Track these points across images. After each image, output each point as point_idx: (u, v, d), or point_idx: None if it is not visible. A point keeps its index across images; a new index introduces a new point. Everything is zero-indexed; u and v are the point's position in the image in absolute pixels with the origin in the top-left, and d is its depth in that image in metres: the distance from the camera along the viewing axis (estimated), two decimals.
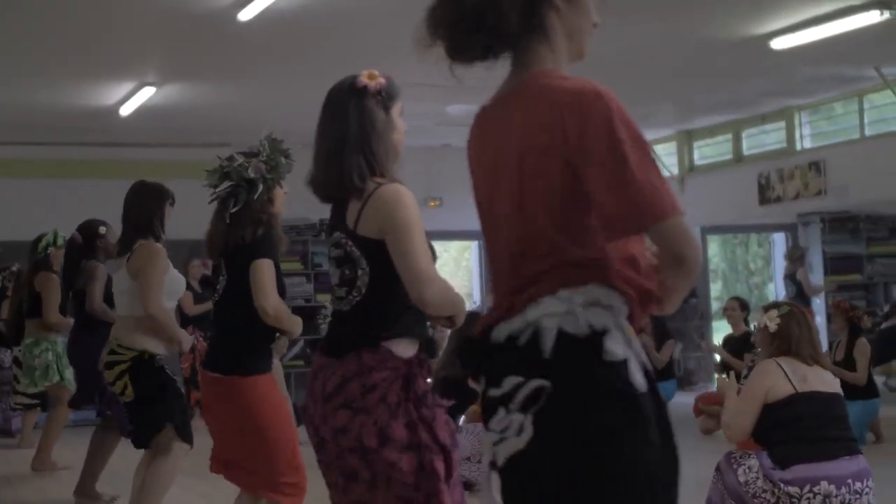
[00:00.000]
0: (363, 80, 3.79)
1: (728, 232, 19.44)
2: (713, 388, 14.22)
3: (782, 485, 5.38)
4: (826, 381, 5.67)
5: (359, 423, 3.61)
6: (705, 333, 16.62)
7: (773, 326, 5.79)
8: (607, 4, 2.89)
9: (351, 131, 3.73)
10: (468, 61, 2.86)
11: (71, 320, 9.26)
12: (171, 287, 6.69)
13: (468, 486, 7.34)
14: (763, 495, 5.43)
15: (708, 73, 12.70)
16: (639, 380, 2.63)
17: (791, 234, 17.19)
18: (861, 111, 14.48)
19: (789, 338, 5.75)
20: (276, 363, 10.91)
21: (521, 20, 2.78)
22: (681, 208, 2.57)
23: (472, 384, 2.82)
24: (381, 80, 3.81)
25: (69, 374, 9.69)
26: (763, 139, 16.03)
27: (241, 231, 5.07)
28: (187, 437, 6.62)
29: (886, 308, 15.50)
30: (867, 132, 14.42)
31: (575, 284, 2.65)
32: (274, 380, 5.30)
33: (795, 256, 15.93)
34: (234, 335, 5.13)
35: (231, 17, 9.53)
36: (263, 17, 9.53)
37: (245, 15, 9.48)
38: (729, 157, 16.28)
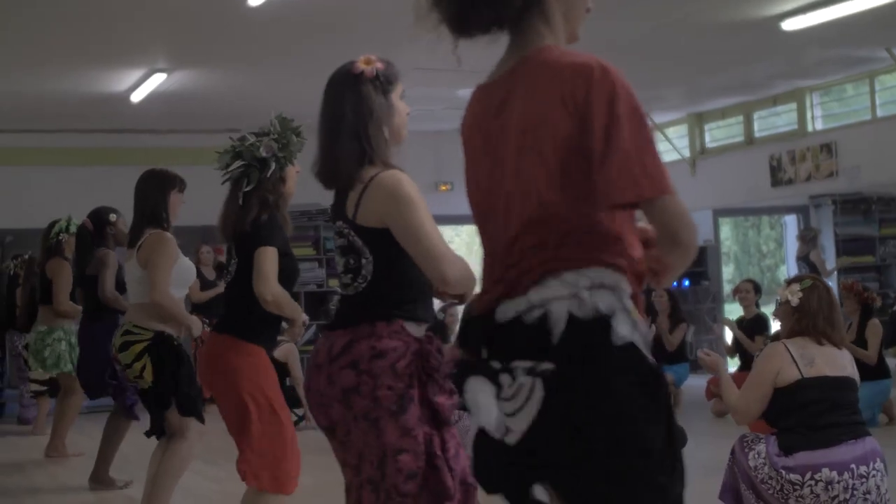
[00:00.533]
0: (359, 65, 3.79)
1: (740, 214, 19.40)
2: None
3: (784, 472, 5.36)
4: (837, 364, 5.59)
5: (370, 385, 3.58)
6: (717, 316, 16.60)
7: (794, 300, 5.71)
8: None
9: (346, 119, 3.73)
10: (468, 35, 2.87)
11: (80, 308, 9.26)
12: (181, 276, 6.71)
13: None
14: (769, 481, 5.41)
15: (718, 55, 12.66)
16: (651, 357, 2.65)
17: (803, 216, 17.15)
18: (872, 92, 14.43)
19: (809, 313, 5.66)
20: (292, 347, 10.97)
21: None
22: (673, 188, 2.59)
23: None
24: (378, 65, 3.79)
25: None
26: (774, 121, 15.98)
27: (250, 213, 5.07)
28: (198, 416, 6.65)
29: None
30: (879, 113, 14.37)
31: (577, 265, 2.66)
32: (266, 357, 5.23)
33: (809, 237, 15.89)
34: (242, 310, 5.12)
35: (241, 2, 9.53)
36: (273, 1, 9.53)
37: (255, 0, 9.49)
38: (740, 139, 16.24)
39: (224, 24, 10.36)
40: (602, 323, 2.62)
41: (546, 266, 2.68)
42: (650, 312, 12.48)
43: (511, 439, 2.70)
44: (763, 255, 24.13)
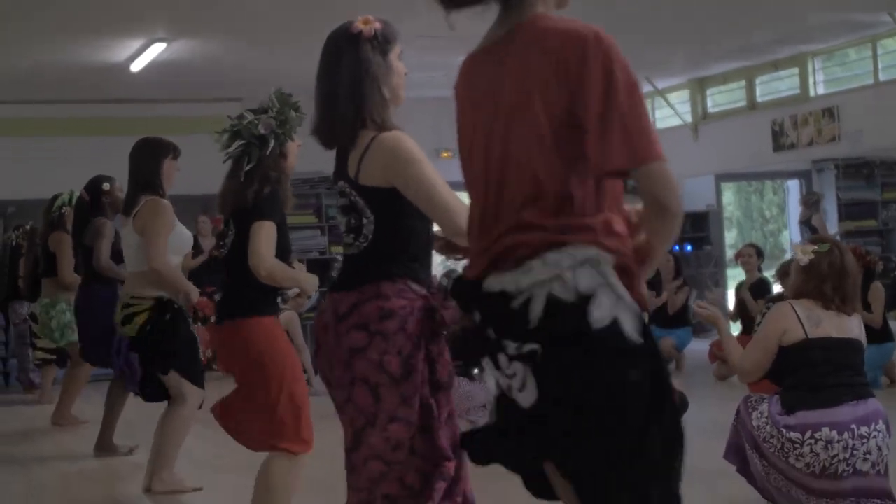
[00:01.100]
0: (358, 25, 3.78)
1: (742, 179, 19.38)
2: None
3: (784, 430, 5.37)
4: (844, 326, 5.57)
5: (379, 348, 3.58)
6: (720, 281, 16.62)
7: (804, 260, 5.68)
8: None
9: (344, 79, 3.73)
10: (457, 7, 2.86)
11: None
12: (178, 243, 6.73)
13: None
14: (770, 440, 5.43)
15: (720, 20, 12.61)
16: (630, 331, 2.65)
17: (805, 180, 17.13)
18: (875, 57, 14.38)
19: (817, 276, 5.62)
20: (293, 315, 11.00)
21: None
22: (664, 156, 2.62)
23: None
24: (377, 25, 3.79)
25: None
26: (776, 86, 15.94)
27: (251, 189, 5.06)
28: (198, 381, 6.69)
29: None
30: (881, 77, 14.32)
31: (562, 241, 2.67)
32: (278, 323, 5.26)
33: (811, 202, 15.88)
34: (239, 285, 5.13)
35: None
36: None
37: None
38: (742, 104, 16.20)
39: None
40: (581, 305, 2.64)
41: (532, 242, 2.69)
42: (655, 284, 12.46)
43: (525, 403, 2.73)
44: (766, 220, 24.11)
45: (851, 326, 5.61)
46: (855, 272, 5.70)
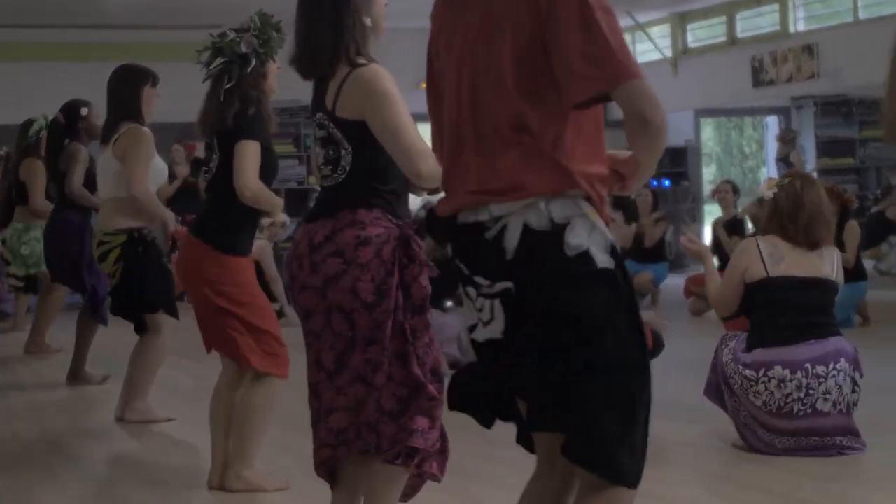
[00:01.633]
0: None
1: (721, 115, 19.40)
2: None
3: (741, 368, 5.40)
4: (808, 264, 5.52)
5: (353, 275, 3.63)
6: (697, 216, 16.67)
7: (768, 195, 5.68)
8: None
9: (324, 8, 3.73)
10: None
11: None
12: (154, 175, 6.71)
13: (454, 365, 7.39)
14: (734, 377, 5.46)
15: None
16: (602, 258, 2.66)
17: (784, 117, 17.15)
18: None
19: (777, 211, 5.59)
20: (266, 245, 10.97)
21: None
22: (643, 74, 2.64)
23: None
24: None
25: None
26: (757, 22, 15.90)
27: (232, 109, 5.03)
28: (172, 312, 6.72)
29: (878, 192, 15.52)
30: (861, 15, 14.31)
31: (538, 177, 2.66)
32: (251, 264, 5.26)
33: (788, 138, 15.90)
34: (222, 209, 5.10)
35: None
36: None
37: None
38: (723, 39, 16.17)
39: None
40: (557, 233, 2.65)
41: (508, 174, 2.69)
42: (631, 213, 12.46)
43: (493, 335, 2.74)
44: (745, 156, 24.16)
45: (818, 264, 5.56)
46: (818, 206, 5.57)
